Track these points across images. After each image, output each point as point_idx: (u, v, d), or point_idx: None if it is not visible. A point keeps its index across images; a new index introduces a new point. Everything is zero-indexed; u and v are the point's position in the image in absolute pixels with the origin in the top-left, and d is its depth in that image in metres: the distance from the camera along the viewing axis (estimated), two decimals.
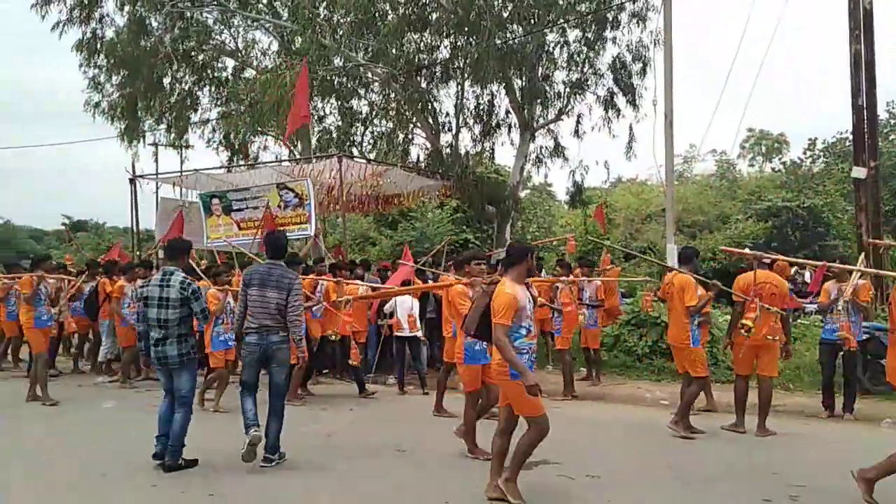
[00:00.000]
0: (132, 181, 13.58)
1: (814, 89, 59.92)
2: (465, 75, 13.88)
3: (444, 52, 13.89)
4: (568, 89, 14.44)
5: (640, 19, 13.63)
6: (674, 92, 11.01)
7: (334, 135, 15.49)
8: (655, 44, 13.36)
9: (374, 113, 15.27)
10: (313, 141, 15.42)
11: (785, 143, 40.06)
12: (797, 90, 60.92)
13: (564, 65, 14.41)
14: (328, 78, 13.30)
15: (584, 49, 14.11)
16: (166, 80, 15.26)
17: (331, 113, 15.66)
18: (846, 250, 16.54)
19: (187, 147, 18.35)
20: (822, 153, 30.02)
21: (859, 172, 10.70)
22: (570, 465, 5.40)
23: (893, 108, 26.36)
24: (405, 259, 10.63)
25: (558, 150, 15.42)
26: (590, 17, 13.42)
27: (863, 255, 8.44)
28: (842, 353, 7.36)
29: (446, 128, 14.92)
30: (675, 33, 10.84)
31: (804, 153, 31.59)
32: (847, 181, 14.74)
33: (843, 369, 7.51)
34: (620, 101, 14.44)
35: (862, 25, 10.60)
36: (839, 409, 7.43)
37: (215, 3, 14.47)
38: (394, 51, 12.96)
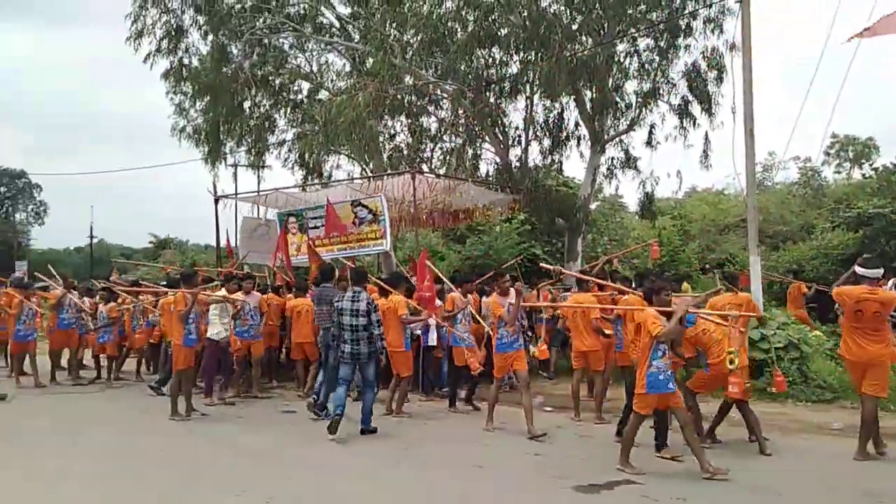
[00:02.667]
0: (216, 201, 14.23)
1: None
2: (534, 89, 13.84)
3: (513, 67, 13.91)
4: (640, 99, 14.14)
5: (717, 25, 13.22)
6: (753, 98, 10.61)
7: (405, 152, 15.75)
8: (732, 49, 12.93)
9: (443, 129, 15.44)
10: (384, 158, 15.74)
11: (874, 147, 37.84)
12: (885, 92, 57.37)
13: (636, 74, 14.13)
14: (399, 97, 13.57)
15: (657, 58, 13.79)
16: (246, 104, 15.96)
17: (401, 131, 15.97)
18: None
19: (265, 167, 19.11)
20: None
21: None
22: (652, 487, 5.24)
23: None
24: (422, 265, 9.70)
25: (630, 162, 15.11)
26: (661, 25, 13.14)
27: None
28: None
29: (515, 142, 14.92)
30: (753, 36, 10.44)
31: None
32: None
33: None
34: (695, 109, 14.02)
35: None
36: None
37: (291, 28, 15.07)
38: (463, 67, 13.07)
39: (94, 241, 47.88)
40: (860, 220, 18.78)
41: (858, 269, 6.22)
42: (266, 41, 15.41)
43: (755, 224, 10.40)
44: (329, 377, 8.06)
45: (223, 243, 14.83)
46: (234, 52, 15.48)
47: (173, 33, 15.47)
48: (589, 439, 7.11)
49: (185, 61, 15.81)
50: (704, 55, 13.59)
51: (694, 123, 14.09)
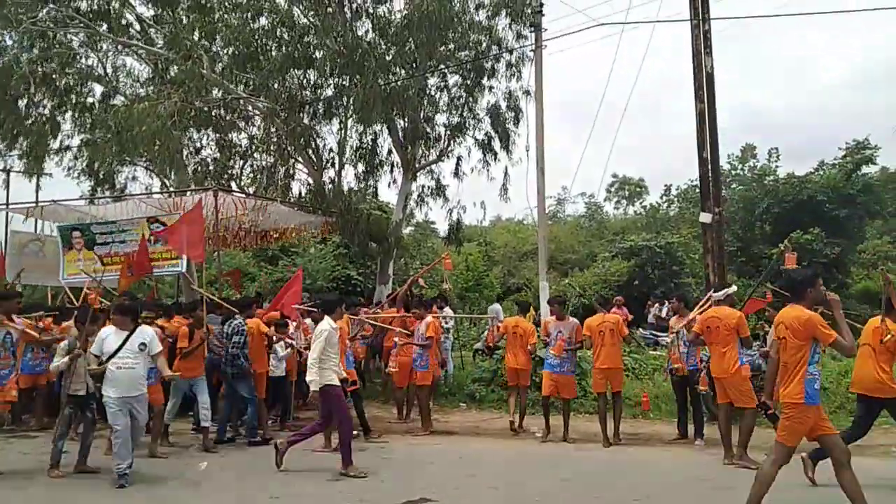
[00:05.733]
0: None
1: (670, 139, 66.13)
2: (349, 114, 13.99)
3: (328, 90, 13.95)
4: (448, 132, 14.92)
5: (516, 70, 14.48)
6: (545, 139, 11.80)
7: (211, 167, 14.96)
8: (527, 94, 14.24)
9: (254, 147, 14.94)
10: (189, 173, 14.79)
11: (644, 188, 43.69)
12: (657, 139, 66.86)
13: (445, 108, 14.93)
14: (206, 109, 12.91)
15: (464, 94, 14.72)
16: (21, 103, 14.07)
17: (208, 145, 15.15)
18: (698, 287, 18.18)
19: (44, 175, 16.93)
20: (676, 198, 33.04)
21: (706, 218, 11.87)
22: None
23: (733, 159, 29.63)
24: (294, 285, 10.31)
25: (439, 190, 15.81)
26: (468, 65, 14.07)
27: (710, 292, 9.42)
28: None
29: (329, 164, 14.89)
30: (548, 81, 11.67)
31: (661, 198, 34.67)
32: (698, 224, 16.38)
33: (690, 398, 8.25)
34: (497, 145, 15.09)
35: (705, 87, 11.93)
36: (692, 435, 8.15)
37: (81, 24, 13.64)
38: (276, 85, 12.84)
39: None
40: (632, 251, 21.50)
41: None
42: (50, 35, 13.76)
43: (545, 253, 11.51)
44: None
45: None
46: (9, 42, 13.65)
47: None
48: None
49: None
50: (505, 97, 14.80)
51: (495, 158, 15.17)
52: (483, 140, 15.07)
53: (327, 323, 6.95)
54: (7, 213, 13.36)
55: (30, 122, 14.26)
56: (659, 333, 14.39)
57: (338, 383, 6.83)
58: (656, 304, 17.32)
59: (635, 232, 26.24)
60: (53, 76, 14.10)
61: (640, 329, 15.57)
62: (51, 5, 13.09)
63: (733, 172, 28.61)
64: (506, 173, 15.26)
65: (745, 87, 69.22)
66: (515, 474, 6.84)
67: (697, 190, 15.38)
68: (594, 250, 26.89)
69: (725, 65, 62.04)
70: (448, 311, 12.52)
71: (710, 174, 11.98)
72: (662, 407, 9.54)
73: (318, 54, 12.97)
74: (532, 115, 12.93)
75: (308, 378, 6.77)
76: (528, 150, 12.30)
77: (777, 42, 74.86)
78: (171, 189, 13.84)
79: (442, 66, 14.01)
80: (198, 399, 8.01)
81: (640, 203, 39.17)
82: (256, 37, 12.64)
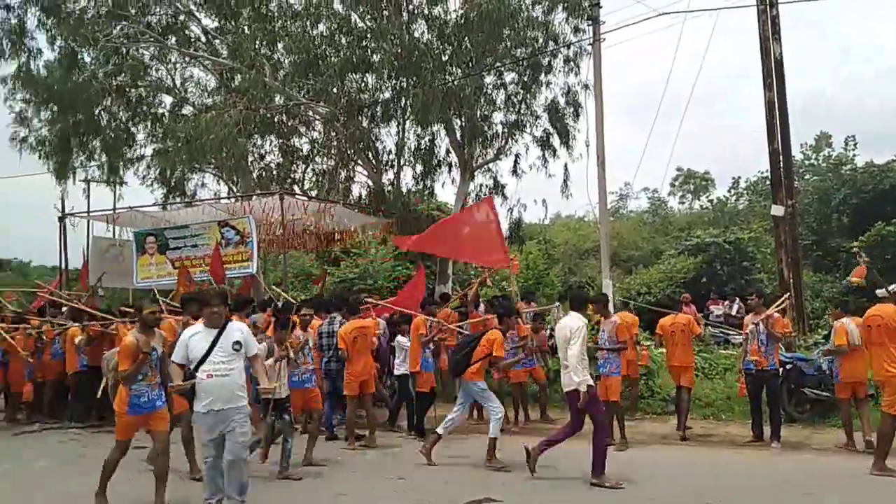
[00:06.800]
0: (61, 219, 13.07)
1: (737, 130, 63.71)
2: (407, 115, 14.11)
3: (385, 93, 14.11)
4: (506, 130, 14.84)
5: (574, 64, 14.26)
6: (605, 133, 11.56)
7: (275, 172, 15.39)
8: (586, 88, 13.99)
9: (315, 151, 15.28)
10: (254, 178, 15.27)
11: (710, 181, 42.20)
12: (723, 131, 64.58)
13: (502, 106, 14.84)
14: (269, 116, 13.28)
15: (521, 91, 14.59)
16: (100, 116, 14.87)
17: (271, 150, 15.59)
18: (770, 283, 17.43)
19: (121, 184, 17.83)
20: (745, 191, 31.77)
21: (778, 210, 11.40)
22: None
23: (807, 149, 28.27)
24: (418, 282, 10.33)
25: (497, 189, 15.74)
26: (524, 61, 13.94)
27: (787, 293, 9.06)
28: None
29: (388, 166, 15.07)
30: (607, 75, 11.41)
31: (729, 191, 33.40)
32: (770, 218, 15.70)
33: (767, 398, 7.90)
34: (556, 141, 14.91)
35: (774, 74, 11.43)
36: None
37: (152, 39, 14.29)
38: (335, 90, 13.08)
39: None
40: (698, 247, 20.81)
41: None
42: (124, 50, 14.47)
43: (608, 250, 11.25)
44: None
45: (79, 266, 13.59)
46: (87, 59, 14.43)
47: (15, 34, 14.14)
48: None
49: (32, 66, 14.51)
50: (563, 92, 14.59)
51: (554, 154, 14.97)
52: (541, 137, 14.91)
53: (580, 319, 6.42)
54: (88, 221, 14.10)
55: (107, 133, 15.07)
56: (729, 331, 13.89)
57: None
58: (726, 302, 16.75)
59: (702, 227, 25.37)
60: (127, 89, 14.87)
61: (709, 327, 15.05)
62: (123, 22, 13.77)
63: (807, 163, 27.31)
64: (566, 169, 15.07)
65: (817, 72, 66.07)
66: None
67: (768, 182, 14.78)
68: (658, 247, 26.17)
69: (796, 50, 59.32)
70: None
71: (781, 165, 11.50)
72: (736, 408, 9.17)
73: (375, 58, 13.14)
74: (591, 110, 12.71)
75: (572, 378, 6.16)
76: (588, 146, 12.08)
77: (852, 24, 71.05)
78: (239, 194, 14.31)
79: (498, 64, 13.94)
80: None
81: (707, 197, 37.81)
82: (316, 43, 12.91)
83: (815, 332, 11.03)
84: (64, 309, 10.26)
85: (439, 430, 7.10)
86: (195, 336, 5.08)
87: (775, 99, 11.38)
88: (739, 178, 32.92)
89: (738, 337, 13.05)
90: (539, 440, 6.64)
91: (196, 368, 4.99)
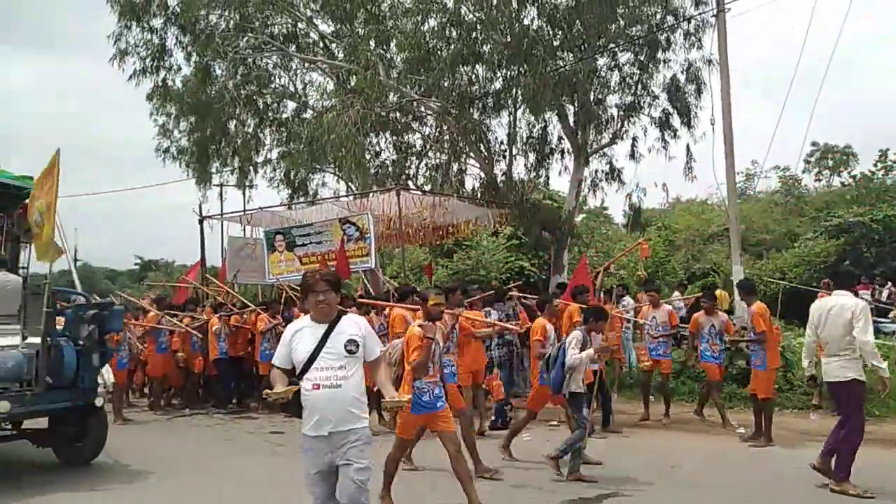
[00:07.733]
0: (201, 221, 14.21)
1: (881, 100, 57.44)
2: (518, 104, 13.98)
3: (496, 83, 14.06)
4: (621, 112, 14.32)
5: (696, 40, 13.48)
6: (732, 110, 10.83)
7: (390, 168, 15.83)
8: (710, 63, 13.18)
9: (428, 145, 15.54)
10: (371, 175, 15.79)
11: (852, 155, 38.42)
12: (864, 102, 58.54)
13: (617, 88, 14.31)
14: (383, 114, 13.66)
15: (637, 71, 14.00)
16: (231, 124, 15.99)
17: (386, 147, 16.05)
18: None
19: (251, 187, 19.10)
20: (894, 165, 28.63)
21: None
22: None
23: None
24: (582, 269, 9.93)
25: (614, 174, 15.23)
26: (641, 40, 13.36)
27: None
28: None
29: (500, 157, 15.02)
30: (731, 50, 10.68)
31: (875, 165, 30.21)
32: None
33: None
34: (676, 121, 14.20)
35: None
36: None
37: (274, 48, 15.15)
38: (447, 84, 13.21)
39: (78, 263, 47.41)
40: (841, 228, 19.06)
41: None
42: (250, 61, 15.47)
43: (737, 234, 10.59)
44: None
45: (216, 264, 14.86)
46: (219, 71, 15.53)
47: (157, 53, 15.50)
48: None
49: (169, 82, 15.86)
50: (683, 69, 13.84)
51: (675, 135, 14.28)
52: (660, 117, 14.25)
53: (855, 298, 5.57)
54: (222, 222, 15.24)
55: (238, 141, 16.19)
56: (880, 319, 12.63)
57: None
58: (874, 287, 15.24)
59: (843, 206, 23.16)
60: (254, 97, 15.89)
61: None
62: (249, 34, 14.69)
63: None
64: (688, 150, 14.34)
65: None
66: (714, 472, 6.36)
67: None
68: (792, 229, 24.22)
69: None
70: (629, 300, 12.00)
71: None
72: (891, 403, 8.30)
73: (485, 48, 13.11)
74: (716, 86, 11.93)
75: (848, 365, 5.31)
76: (713, 124, 11.35)
77: None
78: (357, 191, 14.86)
79: (612, 45, 13.45)
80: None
81: (849, 173, 34.42)
82: (426, 39, 13.08)
83: None
84: (205, 302, 11.25)
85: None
86: (299, 332, 3.77)
87: None
88: (888, 150, 29.61)
89: (890, 325, 11.86)
90: (820, 452, 5.61)
91: (300, 376, 3.69)
